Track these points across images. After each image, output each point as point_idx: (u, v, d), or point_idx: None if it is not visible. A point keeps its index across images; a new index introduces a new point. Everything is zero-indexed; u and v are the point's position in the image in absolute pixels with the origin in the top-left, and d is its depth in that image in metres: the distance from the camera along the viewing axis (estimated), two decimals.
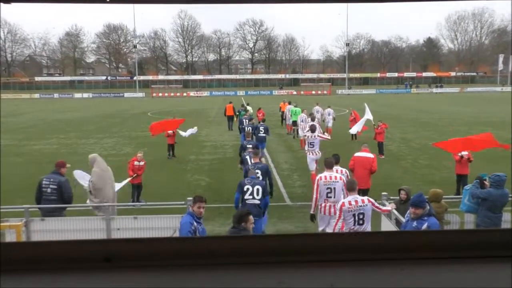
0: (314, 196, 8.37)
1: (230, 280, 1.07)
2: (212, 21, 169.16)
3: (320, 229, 8.45)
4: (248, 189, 8.22)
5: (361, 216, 6.97)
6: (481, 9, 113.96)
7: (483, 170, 9.26)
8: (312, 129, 14.00)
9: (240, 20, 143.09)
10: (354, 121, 20.94)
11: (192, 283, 1.07)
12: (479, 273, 1.09)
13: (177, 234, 6.73)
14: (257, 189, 8.21)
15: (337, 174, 8.52)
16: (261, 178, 9.08)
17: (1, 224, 7.70)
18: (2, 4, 1.21)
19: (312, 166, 13.63)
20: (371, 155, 11.01)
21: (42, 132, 28.43)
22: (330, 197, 8.26)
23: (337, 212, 7.15)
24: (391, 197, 8.34)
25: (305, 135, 14.72)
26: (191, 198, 6.79)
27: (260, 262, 1.11)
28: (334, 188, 8.27)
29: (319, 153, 13.73)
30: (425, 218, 6.02)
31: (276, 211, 11.34)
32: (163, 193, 12.97)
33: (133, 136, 26.09)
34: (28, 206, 8.28)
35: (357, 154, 11.04)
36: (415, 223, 6.04)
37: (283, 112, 28.64)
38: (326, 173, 8.47)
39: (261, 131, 17.23)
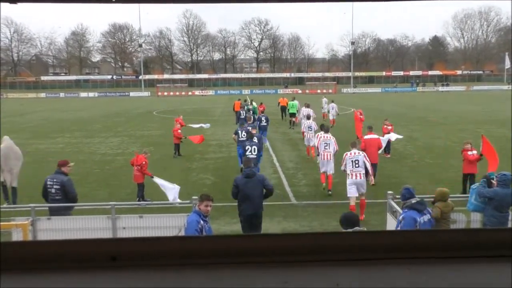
0: (316, 146, 13.61)
1: (235, 280, 1.07)
2: (218, 20, 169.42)
3: (321, 171, 12.98)
4: (248, 148, 12.99)
5: (356, 162, 10.64)
6: (487, 8, 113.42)
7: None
8: (308, 116, 19.08)
9: (246, 19, 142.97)
10: (360, 120, 20.89)
11: (197, 282, 1.07)
12: (485, 272, 1.09)
13: (182, 233, 6.75)
14: (254, 148, 13.00)
15: (331, 136, 13.26)
16: (256, 141, 13.46)
17: (8, 223, 7.76)
18: (8, 3, 1.21)
19: (310, 142, 16.94)
20: (376, 136, 13.96)
21: (48, 131, 28.56)
22: (327, 148, 12.85)
23: (332, 158, 12.75)
24: (397, 196, 8.32)
25: (303, 122, 19.35)
26: (196, 197, 6.81)
27: (265, 261, 1.10)
28: (329, 143, 12.89)
29: (313, 137, 16.52)
30: (406, 210, 6.30)
31: (281, 210, 11.35)
32: None
33: (139, 135, 26.17)
34: (34, 205, 8.31)
35: (366, 137, 13.85)
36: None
37: (282, 106, 32.21)
38: (324, 135, 13.23)
39: (263, 121, 20.92)
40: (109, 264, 1.09)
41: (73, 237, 7.70)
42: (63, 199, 8.77)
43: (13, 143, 12.52)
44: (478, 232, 1.23)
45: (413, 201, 6.27)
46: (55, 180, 8.83)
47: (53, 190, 8.78)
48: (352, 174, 10.58)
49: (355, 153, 10.81)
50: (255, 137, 13.69)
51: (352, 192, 10.50)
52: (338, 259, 1.11)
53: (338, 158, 12.54)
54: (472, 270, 1.10)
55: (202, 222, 6.11)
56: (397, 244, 1.14)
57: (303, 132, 18.17)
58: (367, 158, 10.84)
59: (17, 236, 7.64)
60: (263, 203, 8.63)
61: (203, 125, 21.90)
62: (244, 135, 14.88)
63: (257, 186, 8.38)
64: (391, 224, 8.08)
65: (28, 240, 6.68)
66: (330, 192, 12.56)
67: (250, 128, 15.44)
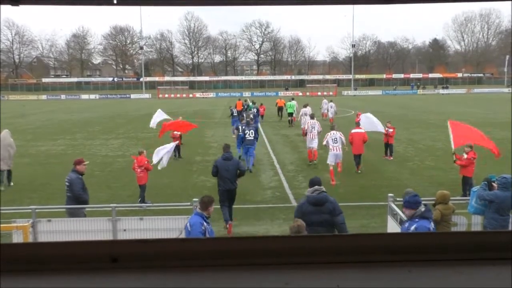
0: (304, 129, 18.34)
1: (237, 281, 1.07)
2: (219, 22, 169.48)
3: (309, 146, 17.04)
4: (247, 132, 16.34)
5: (335, 139, 14.49)
6: (488, 10, 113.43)
7: (492, 172, 9.20)
8: (312, 116, 20.78)
9: (247, 21, 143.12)
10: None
11: (198, 284, 1.07)
12: (485, 275, 1.09)
13: (183, 235, 6.75)
14: (251, 132, 16.41)
15: (316, 121, 17.43)
16: (253, 127, 16.99)
17: (9, 225, 7.75)
18: (10, 6, 1.22)
19: (312, 144, 18.71)
20: (362, 131, 15.95)
21: (49, 133, 28.59)
22: (312, 131, 16.87)
23: (316, 137, 16.85)
24: (398, 199, 8.32)
25: (305, 121, 21.24)
26: (197, 199, 6.80)
27: (267, 263, 1.11)
28: (314, 127, 16.98)
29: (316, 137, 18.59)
30: (417, 220, 5.93)
31: (282, 213, 11.35)
32: (169, 194, 13.00)
33: (140, 137, 26.18)
34: (35, 207, 8.32)
35: (353, 130, 15.95)
36: (407, 224, 6.02)
37: (279, 107, 34.42)
38: (310, 121, 17.56)
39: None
40: (109, 266, 1.09)
41: (73, 239, 7.69)
42: (71, 196, 9.12)
43: (8, 135, 14.61)
44: (478, 234, 1.23)
45: (422, 209, 5.99)
46: (67, 177, 9.28)
47: (66, 187, 9.26)
48: (332, 148, 14.42)
49: (334, 133, 14.76)
50: (253, 126, 17.29)
51: (331, 161, 14.48)
52: (339, 261, 1.11)
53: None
54: (473, 272, 1.10)
55: (205, 224, 6.16)
56: (398, 246, 1.14)
57: (303, 130, 19.70)
58: (343, 136, 14.85)
59: (17, 238, 7.63)
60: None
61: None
62: (244, 127, 17.37)
63: (232, 167, 10.30)
64: (392, 226, 8.08)
65: (29, 242, 6.67)
66: (315, 162, 16.75)
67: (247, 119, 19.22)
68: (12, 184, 14.49)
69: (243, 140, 16.53)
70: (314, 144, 16.72)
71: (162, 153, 12.22)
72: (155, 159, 12.16)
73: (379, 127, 17.36)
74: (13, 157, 14.74)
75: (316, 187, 6.89)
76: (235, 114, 27.55)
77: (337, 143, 14.39)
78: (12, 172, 14.67)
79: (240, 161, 10.99)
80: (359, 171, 15.48)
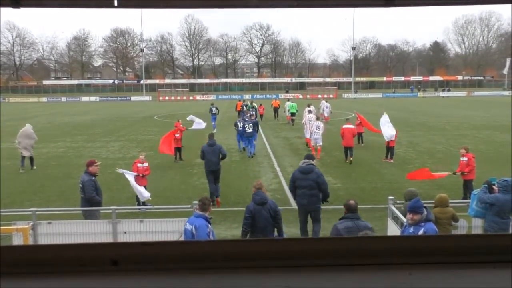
0: (304, 122, 22.71)
1: (237, 283, 1.07)
2: (219, 25, 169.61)
3: (307, 137, 20.35)
4: (246, 126, 19.05)
5: (319, 127, 18.54)
6: (488, 13, 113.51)
7: (492, 174, 9.19)
8: (309, 111, 23.36)
9: (247, 24, 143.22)
10: (361, 125, 20.86)
11: (198, 286, 1.07)
12: (485, 278, 1.09)
13: (183, 238, 6.74)
14: (250, 125, 19.10)
15: (314, 116, 21.41)
16: (252, 125, 19.38)
17: (9, 227, 7.74)
18: (11, 8, 1.22)
19: (307, 134, 20.94)
20: (352, 126, 18.31)
21: (49, 135, 28.57)
22: (311, 123, 19.89)
23: (311, 125, 19.71)
24: (398, 201, 8.31)
25: (308, 118, 22.97)
26: (196, 202, 6.80)
27: (267, 265, 1.11)
28: (312, 120, 20.09)
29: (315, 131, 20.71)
30: (422, 224, 5.88)
31: (282, 215, 11.30)
32: (169, 197, 12.99)
33: (140, 139, 26.17)
34: (35, 209, 8.31)
35: (344, 126, 17.92)
36: (412, 229, 5.93)
37: (275, 107, 36.48)
38: (308, 115, 21.82)
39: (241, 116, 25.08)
40: (109, 268, 1.09)
41: (74, 242, 7.68)
42: (84, 198, 9.18)
43: (30, 128, 17.85)
44: (479, 237, 1.23)
45: (425, 212, 5.95)
46: (80, 179, 9.35)
47: (79, 189, 9.35)
48: (314, 133, 18.48)
49: (318, 122, 19.14)
50: (252, 122, 19.45)
51: (309, 136, 19.46)
52: (339, 263, 1.11)
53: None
54: (473, 275, 1.10)
55: (209, 225, 6.21)
56: (398, 249, 1.14)
57: (310, 146, 20.84)
58: (324, 126, 19.27)
59: (17, 241, 7.62)
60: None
61: (199, 125, 21.99)
62: (242, 124, 19.57)
63: (216, 152, 12.50)
64: (392, 229, 8.07)
65: (29, 244, 6.67)
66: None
67: (247, 117, 20.88)
68: (35, 167, 17.46)
69: (243, 134, 19.31)
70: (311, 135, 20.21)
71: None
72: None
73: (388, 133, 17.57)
74: (33, 145, 17.91)
75: (306, 160, 9.29)
76: (214, 112, 30.43)
77: (319, 130, 18.59)
78: (25, 163, 17.38)
79: (222, 147, 12.95)
80: (348, 161, 17.40)
